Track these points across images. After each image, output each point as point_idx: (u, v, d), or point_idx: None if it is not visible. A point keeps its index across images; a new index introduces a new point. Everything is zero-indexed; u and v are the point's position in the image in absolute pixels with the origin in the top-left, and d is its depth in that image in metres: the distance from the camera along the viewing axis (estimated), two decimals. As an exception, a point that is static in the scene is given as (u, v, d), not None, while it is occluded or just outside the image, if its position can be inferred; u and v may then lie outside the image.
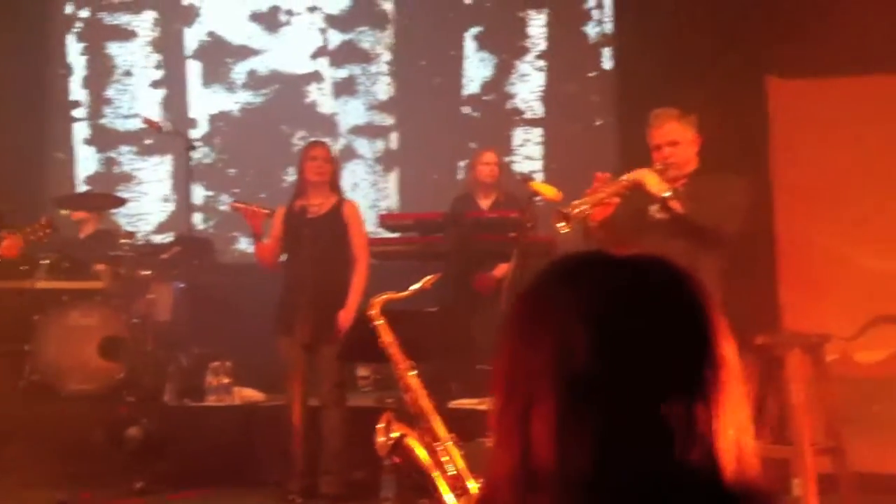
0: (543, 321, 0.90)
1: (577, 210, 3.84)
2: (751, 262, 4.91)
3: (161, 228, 7.93)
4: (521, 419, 0.89)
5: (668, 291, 0.91)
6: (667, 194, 3.97)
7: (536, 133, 7.72)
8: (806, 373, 4.28)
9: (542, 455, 0.87)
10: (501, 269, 5.79)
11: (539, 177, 7.62)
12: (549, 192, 4.27)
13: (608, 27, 7.40)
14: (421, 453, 3.72)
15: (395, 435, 3.67)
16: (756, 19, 5.34)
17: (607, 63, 7.43)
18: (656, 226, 4.09)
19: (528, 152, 7.72)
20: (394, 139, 7.95)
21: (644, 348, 0.87)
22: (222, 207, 7.92)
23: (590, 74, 7.64)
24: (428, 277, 4.03)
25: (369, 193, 7.86)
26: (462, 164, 7.41)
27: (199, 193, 7.72)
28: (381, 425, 3.71)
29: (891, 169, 4.89)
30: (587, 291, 0.90)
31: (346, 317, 5.05)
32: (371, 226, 7.27)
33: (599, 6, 7.59)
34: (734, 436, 0.89)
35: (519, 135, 7.74)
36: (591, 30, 7.65)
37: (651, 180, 3.98)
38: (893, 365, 4.86)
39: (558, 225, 3.84)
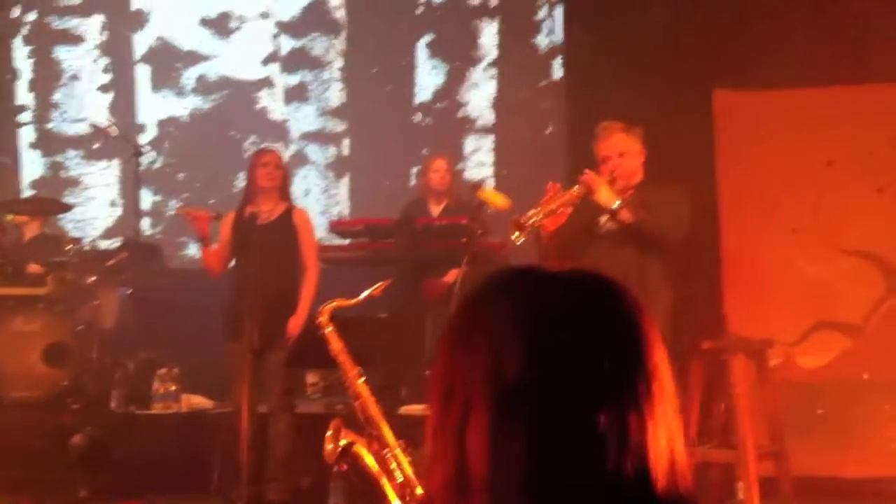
0: (480, 330, 0.91)
1: (531, 220, 3.93)
2: (696, 268, 4.98)
3: (108, 234, 7.83)
4: (457, 428, 0.90)
5: (601, 304, 0.92)
6: (615, 205, 4.07)
7: (488, 140, 7.77)
8: (750, 377, 4.35)
9: (476, 464, 0.88)
10: (452, 275, 5.80)
11: (490, 183, 7.66)
12: (498, 200, 4.32)
13: (559, 37, 7.47)
14: (369, 460, 3.72)
15: (343, 442, 3.68)
16: (704, 31, 5.42)
17: (558, 72, 7.50)
18: (606, 235, 4.21)
19: (479, 159, 7.76)
20: (345, 145, 7.94)
21: (576, 359, 0.88)
22: (170, 213, 7.85)
23: (541, 83, 7.70)
24: (378, 284, 4.03)
25: (321, 200, 7.84)
26: (414, 170, 7.42)
27: (147, 198, 7.64)
28: (329, 432, 3.70)
29: (827, 177, 4.99)
30: (522, 302, 0.91)
31: (296, 323, 5.02)
32: (322, 232, 7.26)
33: (550, 16, 7.66)
34: (667, 446, 0.89)
35: (471, 142, 7.77)
36: (542, 39, 7.72)
37: (602, 191, 4.09)
38: (835, 369, 4.95)
39: (513, 236, 3.93)
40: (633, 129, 4.30)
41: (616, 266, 4.09)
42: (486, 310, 0.93)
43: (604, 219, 4.20)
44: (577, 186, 4.10)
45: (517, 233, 3.91)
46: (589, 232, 4.22)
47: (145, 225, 7.57)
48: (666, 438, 0.89)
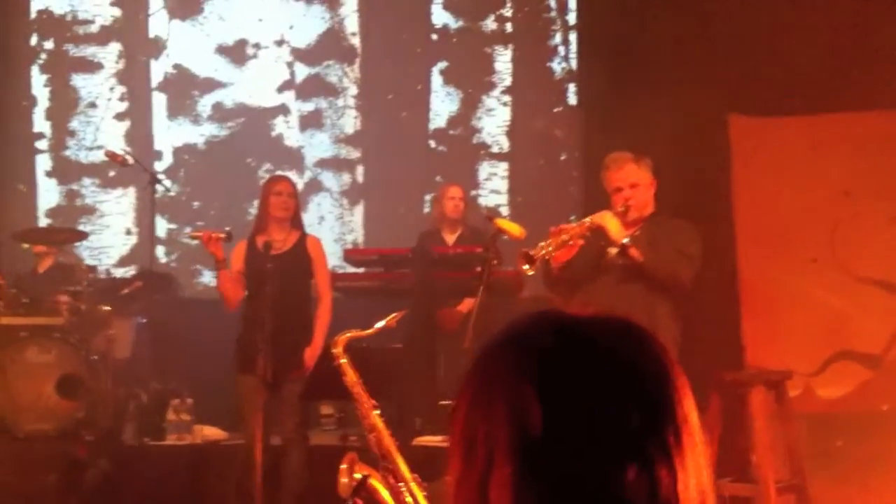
0: (499, 384, 0.89)
1: (541, 252, 3.94)
2: (714, 300, 4.94)
3: (123, 262, 7.85)
4: (479, 486, 0.87)
5: (626, 354, 0.89)
6: (625, 241, 4.07)
7: (502, 167, 7.76)
8: (769, 409, 4.30)
9: None
10: (467, 305, 5.77)
11: (504, 210, 7.65)
12: (514, 230, 4.31)
13: (573, 63, 7.46)
14: (384, 494, 3.69)
15: (358, 476, 3.64)
16: (719, 57, 5.40)
17: (572, 98, 7.49)
18: (614, 269, 4.19)
19: (493, 186, 7.75)
20: (360, 172, 7.94)
21: (601, 413, 0.86)
22: (184, 240, 7.86)
23: (555, 110, 7.70)
24: (393, 315, 4.00)
25: (335, 227, 7.84)
26: (428, 197, 7.41)
27: (162, 226, 7.66)
28: (343, 466, 3.67)
29: (843, 207, 4.95)
30: (539, 355, 0.88)
31: (312, 354, 4.98)
32: (336, 259, 7.24)
33: (565, 42, 7.66)
34: (697, 497, 0.87)
35: (485, 169, 7.77)
36: (557, 65, 7.72)
37: (612, 225, 4.09)
38: (855, 400, 4.89)
39: (523, 267, 3.94)
40: (643, 159, 4.29)
41: (624, 301, 4.09)
42: (505, 363, 0.90)
43: (613, 251, 4.19)
44: (588, 219, 4.12)
45: (527, 265, 3.92)
46: (597, 265, 4.21)
47: (160, 253, 7.58)
48: (696, 489, 0.87)
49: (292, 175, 7.83)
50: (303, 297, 5.16)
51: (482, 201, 7.64)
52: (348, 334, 4.00)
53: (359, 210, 7.91)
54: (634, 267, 4.09)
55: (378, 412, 3.82)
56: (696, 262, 4.16)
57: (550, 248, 3.96)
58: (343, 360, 3.91)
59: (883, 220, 4.90)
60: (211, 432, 5.76)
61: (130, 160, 6.34)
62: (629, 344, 0.90)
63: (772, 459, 4.20)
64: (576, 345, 0.89)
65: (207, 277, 7.85)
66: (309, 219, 6.89)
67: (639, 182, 4.23)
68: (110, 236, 7.90)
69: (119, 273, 7.38)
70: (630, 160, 4.26)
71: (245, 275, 5.11)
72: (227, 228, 5.13)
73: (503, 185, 7.74)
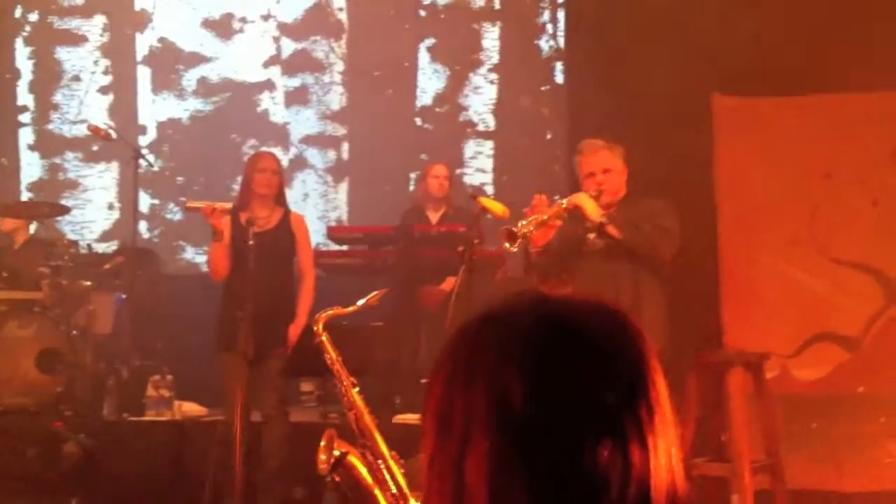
0: (478, 363, 0.90)
1: (522, 230, 4.02)
2: (694, 279, 4.95)
3: (105, 237, 7.82)
4: (455, 462, 0.89)
5: (603, 335, 0.91)
6: (603, 220, 4.16)
7: (488, 146, 7.74)
8: (747, 391, 4.31)
9: (475, 499, 0.87)
10: (449, 283, 5.77)
11: (489, 189, 7.64)
12: (498, 209, 4.34)
13: (561, 41, 7.43)
14: (362, 471, 3.70)
15: (337, 453, 3.65)
16: (705, 37, 5.38)
17: (559, 77, 7.46)
18: (596, 253, 4.26)
19: (479, 164, 7.73)
20: (345, 149, 7.91)
21: (579, 393, 0.88)
22: (168, 216, 7.83)
23: (542, 88, 7.67)
24: (375, 293, 4.00)
25: (319, 204, 7.81)
26: (413, 175, 7.39)
27: (144, 201, 7.63)
28: (322, 443, 3.68)
29: (824, 189, 4.96)
30: (521, 335, 0.90)
31: (296, 331, 4.98)
32: (320, 237, 7.23)
33: (553, 20, 7.63)
34: (668, 475, 0.89)
35: (471, 147, 7.74)
36: (545, 43, 7.68)
37: (588, 205, 4.19)
38: (832, 382, 4.92)
39: (505, 245, 4.02)
40: (615, 146, 4.40)
41: (609, 280, 4.14)
42: (484, 342, 0.91)
43: (592, 235, 4.27)
44: (564, 200, 4.22)
45: (508, 243, 3.99)
46: (579, 248, 4.28)
47: (142, 228, 7.56)
48: (667, 468, 0.89)
49: (277, 151, 7.79)
50: (286, 274, 5.15)
51: (467, 180, 7.62)
52: (330, 311, 4.01)
53: (343, 187, 7.88)
54: (615, 246, 4.15)
55: (357, 390, 3.83)
56: (674, 235, 4.24)
57: (531, 227, 4.02)
58: (323, 338, 3.93)
59: (863, 203, 4.91)
60: (191, 408, 5.75)
61: (114, 135, 6.30)
62: (607, 325, 0.92)
63: (748, 440, 4.22)
64: (557, 326, 0.91)
65: (190, 253, 7.84)
66: (293, 196, 6.87)
67: (612, 168, 4.33)
68: (93, 211, 7.87)
69: (101, 248, 7.35)
70: (603, 146, 4.37)
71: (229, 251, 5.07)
72: (230, 204, 5.05)
73: (489, 164, 7.72)
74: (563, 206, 4.16)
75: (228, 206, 4.95)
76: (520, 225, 4.02)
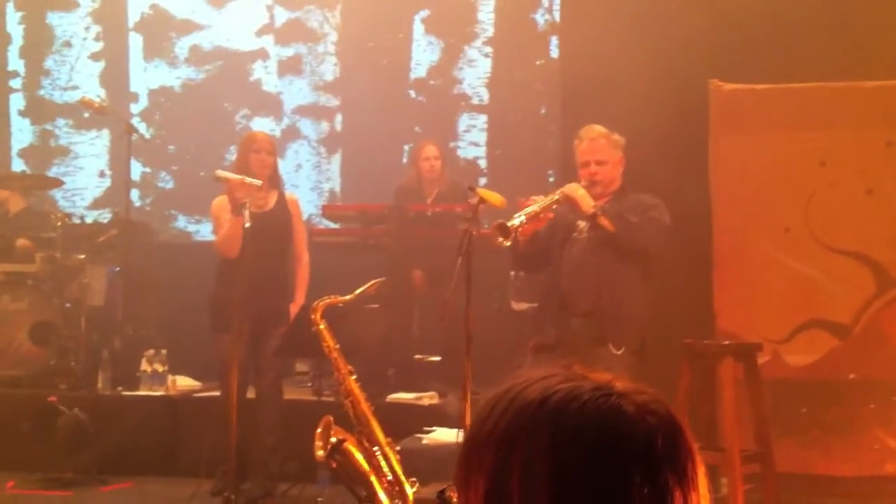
0: (504, 473, 0.86)
1: (517, 224, 4.05)
2: (688, 265, 4.98)
3: (97, 204, 7.78)
4: None
5: (645, 452, 0.86)
6: (593, 210, 4.17)
7: (481, 119, 7.70)
8: (738, 377, 4.35)
9: None
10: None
11: (482, 163, 7.62)
12: (496, 199, 4.34)
13: (556, 15, 7.38)
14: (359, 458, 3.73)
15: (333, 439, 3.68)
16: (703, 20, 5.35)
17: (554, 52, 7.42)
18: (583, 241, 4.28)
19: (472, 138, 7.70)
20: (338, 121, 7.86)
21: (627, 495, 0.84)
22: (160, 184, 7.78)
23: (537, 62, 7.62)
24: (372, 282, 4.01)
25: (312, 175, 7.78)
26: (406, 147, 7.36)
27: (136, 169, 7.58)
28: (319, 430, 3.70)
29: (819, 177, 4.97)
30: (551, 448, 0.85)
31: (295, 310, 4.99)
32: (313, 208, 7.21)
33: (549, -7, 7.57)
34: None
35: (464, 120, 7.71)
36: (540, 17, 7.63)
37: (581, 196, 4.20)
38: (823, 368, 4.95)
39: (499, 240, 4.04)
40: (615, 136, 4.38)
41: (595, 270, 4.19)
42: (508, 452, 0.87)
43: (582, 224, 4.28)
44: (558, 192, 4.22)
45: (502, 237, 4.02)
46: (567, 235, 4.30)
47: (134, 196, 7.51)
48: None
49: (270, 122, 7.76)
50: (285, 255, 5.15)
51: (461, 153, 7.60)
52: (327, 300, 4.02)
53: (336, 158, 7.85)
54: (604, 237, 4.18)
55: (354, 377, 3.85)
56: (665, 231, 4.26)
57: (524, 220, 4.05)
58: (321, 326, 3.94)
59: (858, 191, 4.92)
60: (184, 383, 5.77)
61: (106, 108, 6.24)
62: (650, 437, 0.87)
63: (738, 429, 4.27)
64: (588, 438, 0.85)
65: (182, 222, 7.81)
66: (286, 166, 6.83)
67: (607, 160, 4.32)
68: (84, 178, 7.81)
69: (92, 216, 7.31)
70: (601, 135, 4.35)
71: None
72: (261, 181, 4.83)
73: (482, 138, 7.70)
74: (556, 198, 4.18)
75: (259, 182, 4.81)
76: (513, 219, 4.06)
